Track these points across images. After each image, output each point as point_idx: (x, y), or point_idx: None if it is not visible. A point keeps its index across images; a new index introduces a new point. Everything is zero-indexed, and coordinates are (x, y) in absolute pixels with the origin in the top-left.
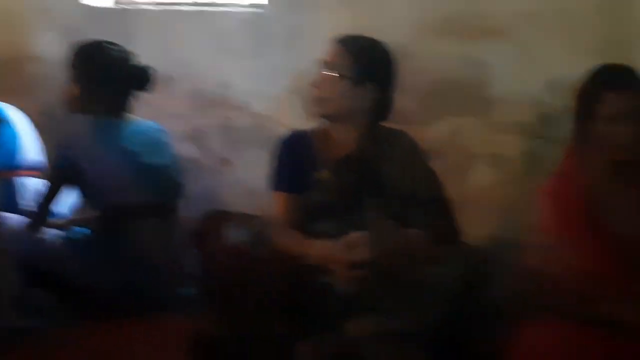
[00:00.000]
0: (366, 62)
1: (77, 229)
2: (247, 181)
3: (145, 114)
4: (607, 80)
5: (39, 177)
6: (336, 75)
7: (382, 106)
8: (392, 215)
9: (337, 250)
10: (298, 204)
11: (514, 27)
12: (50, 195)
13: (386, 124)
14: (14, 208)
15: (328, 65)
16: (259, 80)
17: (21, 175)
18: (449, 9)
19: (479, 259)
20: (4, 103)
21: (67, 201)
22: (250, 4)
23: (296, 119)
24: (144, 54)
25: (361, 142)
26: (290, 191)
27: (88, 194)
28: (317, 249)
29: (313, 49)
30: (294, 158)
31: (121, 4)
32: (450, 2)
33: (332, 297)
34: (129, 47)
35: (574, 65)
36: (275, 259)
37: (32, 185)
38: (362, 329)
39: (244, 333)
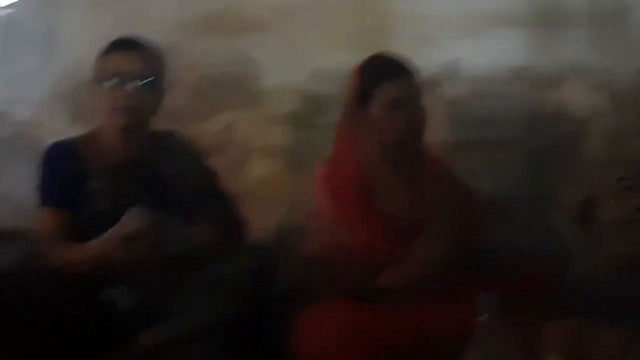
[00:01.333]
0: (153, 64)
1: None
2: (12, 195)
3: None
4: (382, 69)
5: None
6: (131, 80)
7: (153, 107)
8: (172, 216)
9: (109, 236)
10: (69, 218)
11: (275, 21)
12: None
13: (158, 124)
14: None
15: (114, 70)
16: (17, 86)
17: None
18: (210, 7)
19: (264, 250)
20: None
21: None
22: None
23: (61, 125)
24: None
25: (132, 147)
26: (59, 206)
27: None
28: (87, 248)
29: (72, 50)
30: (61, 169)
31: None
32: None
33: (119, 311)
34: None
35: (336, 56)
36: (50, 278)
37: None
38: (155, 337)
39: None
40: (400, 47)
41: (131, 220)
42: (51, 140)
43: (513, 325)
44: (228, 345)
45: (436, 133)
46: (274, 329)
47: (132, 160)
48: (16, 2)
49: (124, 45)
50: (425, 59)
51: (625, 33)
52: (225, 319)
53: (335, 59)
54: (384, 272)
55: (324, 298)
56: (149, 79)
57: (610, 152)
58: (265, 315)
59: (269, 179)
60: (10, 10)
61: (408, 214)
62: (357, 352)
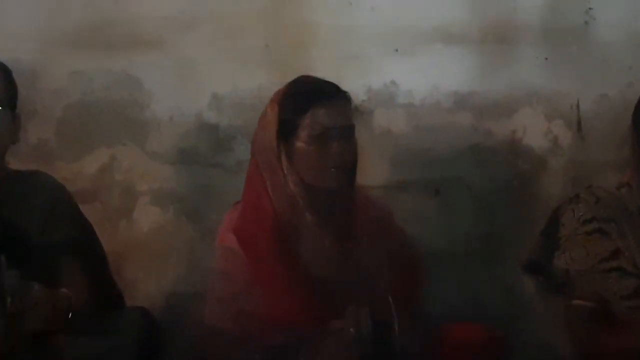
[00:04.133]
0: (9, 87)
1: None
2: None
3: None
4: (309, 93)
5: None
6: None
7: (3, 140)
8: (32, 275)
9: None
10: None
11: (167, 36)
12: None
13: (17, 163)
14: None
15: None
16: None
17: None
18: (83, 18)
19: (153, 320)
20: None
21: None
22: None
23: None
24: None
25: None
26: None
27: None
28: None
29: None
30: None
31: None
32: (89, 11)
33: None
34: None
35: (242, 78)
36: None
37: None
38: None
39: None
40: (322, 68)
41: None
42: None
43: None
44: None
45: (369, 172)
46: None
47: None
48: None
49: None
50: (353, 83)
51: (585, 50)
52: None
53: (241, 83)
54: (309, 347)
55: None
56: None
57: (572, 194)
58: None
59: (159, 231)
60: None
61: (336, 273)
62: None
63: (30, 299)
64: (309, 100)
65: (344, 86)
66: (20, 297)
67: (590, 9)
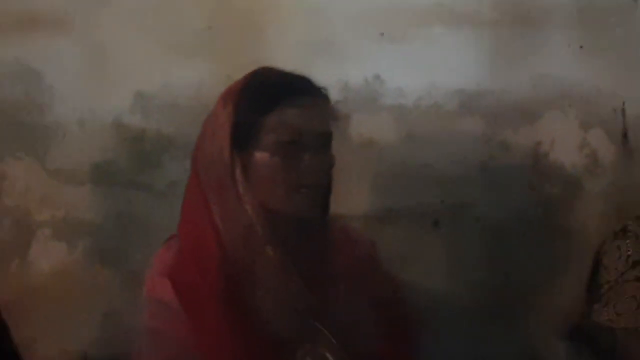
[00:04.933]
0: None
1: None
2: None
3: None
4: (275, 88)
5: None
6: None
7: None
8: None
9: None
10: None
11: (79, 16)
12: None
13: None
14: None
15: None
16: None
17: None
18: None
19: None
20: None
21: None
22: None
23: None
24: None
25: None
26: None
27: None
28: None
29: None
30: None
31: None
32: None
33: None
34: None
35: (178, 69)
36: None
37: None
38: None
39: None
40: (281, 58)
41: None
42: None
43: None
44: None
45: (347, 198)
46: None
47: None
48: None
49: None
50: (324, 77)
51: (633, 39)
52: None
53: (175, 77)
54: None
55: None
56: None
57: (619, 227)
58: None
59: (63, 274)
60: None
61: (304, 332)
62: None
63: None
64: (275, 98)
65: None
66: None
67: None
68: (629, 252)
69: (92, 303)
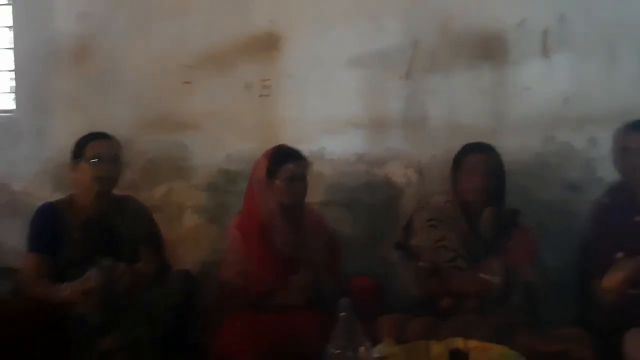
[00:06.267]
0: (118, 149)
1: None
2: (8, 244)
3: None
4: (285, 154)
5: None
6: (107, 159)
7: (117, 179)
8: (124, 258)
9: (76, 286)
10: (49, 262)
11: (203, 121)
12: None
13: (119, 191)
14: None
15: (94, 152)
16: (15, 166)
17: None
18: (156, 110)
19: (190, 278)
20: None
21: None
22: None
23: (45, 194)
24: None
25: (100, 207)
26: (42, 252)
27: None
28: (62, 289)
29: (56, 142)
30: (45, 224)
31: None
32: (159, 104)
33: (85, 323)
34: None
35: (242, 145)
36: (34, 304)
37: None
38: (111, 342)
39: None
40: (285, 140)
41: (91, 278)
42: (39, 204)
43: (361, 319)
44: (165, 349)
45: (312, 195)
46: (200, 336)
47: (99, 217)
48: (14, 108)
49: (98, 136)
50: (304, 148)
51: (425, 131)
52: (163, 328)
53: (241, 147)
54: (279, 292)
55: (237, 310)
56: (116, 158)
57: (422, 203)
58: (192, 325)
59: (197, 229)
60: (10, 114)
61: (294, 252)
62: (258, 346)
63: (119, 272)
64: (285, 158)
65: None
66: (112, 272)
67: None
68: (424, 215)
69: (208, 241)
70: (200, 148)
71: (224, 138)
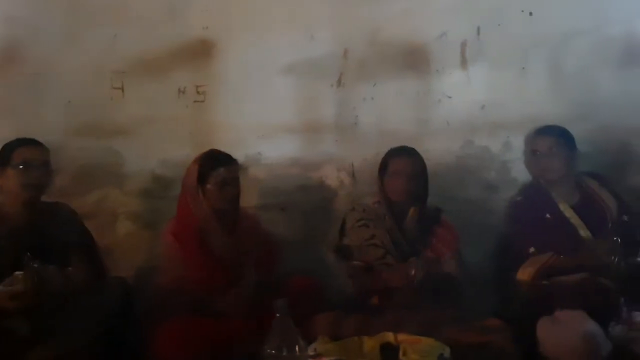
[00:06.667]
0: (46, 155)
1: None
2: None
3: None
4: (216, 159)
5: None
6: (35, 165)
7: (46, 185)
8: (54, 263)
9: (1, 290)
10: None
11: (136, 127)
12: None
13: (47, 198)
14: None
15: (22, 158)
16: None
17: None
18: (91, 115)
19: (125, 286)
20: None
21: None
22: None
23: None
24: None
25: (29, 213)
26: None
27: None
28: None
29: None
30: None
31: None
32: (91, 110)
33: (13, 334)
34: None
35: (176, 151)
36: None
37: None
38: (42, 354)
39: None
40: (221, 145)
41: (19, 280)
42: None
43: (301, 318)
44: (103, 357)
45: (247, 199)
46: (138, 342)
47: (28, 224)
48: None
49: (26, 142)
50: (239, 153)
51: (356, 136)
52: (99, 336)
53: (176, 153)
54: (217, 299)
55: (174, 315)
56: (45, 165)
57: (353, 205)
58: (130, 331)
59: (131, 236)
60: None
61: (230, 254)
62: (196, 351)
63: (48, 273)
64: (216, 162)
65: (234, 155)
66: (41, 274)
67: None
68: (355, 216)
69: (143, 247)
70: (133, 154)
71: (158, 144)
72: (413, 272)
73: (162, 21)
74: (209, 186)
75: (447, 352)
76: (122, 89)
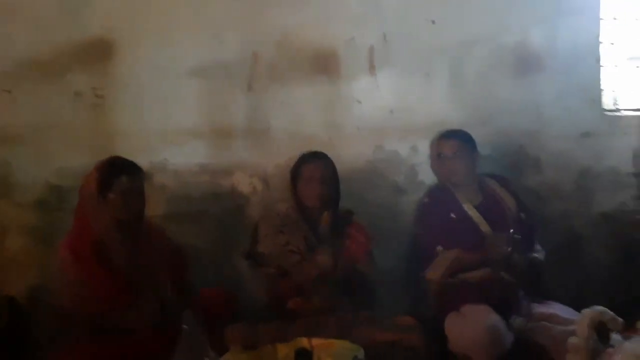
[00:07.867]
0: None
1: None
2: None
3: None
4: (118, 166)
5: None
6: None
7: None
8: None
9: None
10: None
11: (28, 133)
12: None
13: None
14: None
15: None
16: None
17: None
18: None
19: (15, 306)
20: None
21: None
22: None
23: None
24: None
25: None
26: None
27: None
28: None
29: None
30: None
31: None
32: None
33: None
34: None
35: (74, 159)
36: None
37: None
38: None
39: None
40: (123, 152)
41: None
42: None
43: (206, 330)
44: None
45: (153, 208)
46: None
47: None
48: None
49: None
50: (144, 160)
51: (268, 141)
52: None
53: (73, 161)
54: (120, 315)
55: (76, 337)
56: None
57: (266, 211)
58: (22, 358)
59: (23, 251)
60: None
61: (133, 268)
62: None
63: None
64: (118, 170)
65: (138, 162)
66: None
67: None
68: (270, 222)
69: (37, 264)
70: (25, 162)
71: (53, 151)
72: (320, 258)
73: (57, 20)
74: (110, 195)
75: (361, 353)
76: (10, 91)
